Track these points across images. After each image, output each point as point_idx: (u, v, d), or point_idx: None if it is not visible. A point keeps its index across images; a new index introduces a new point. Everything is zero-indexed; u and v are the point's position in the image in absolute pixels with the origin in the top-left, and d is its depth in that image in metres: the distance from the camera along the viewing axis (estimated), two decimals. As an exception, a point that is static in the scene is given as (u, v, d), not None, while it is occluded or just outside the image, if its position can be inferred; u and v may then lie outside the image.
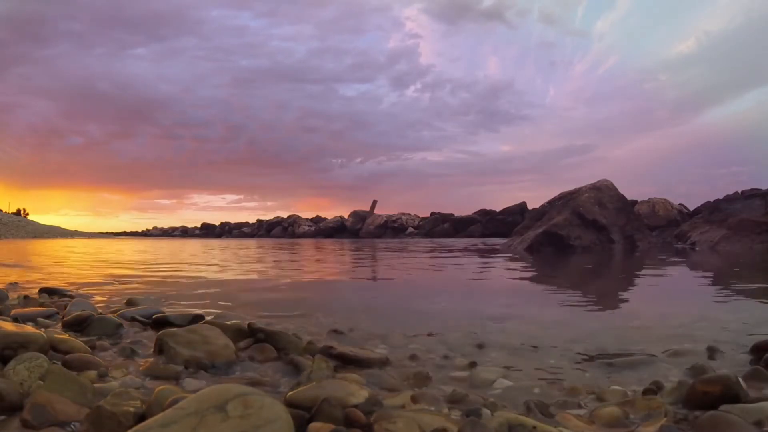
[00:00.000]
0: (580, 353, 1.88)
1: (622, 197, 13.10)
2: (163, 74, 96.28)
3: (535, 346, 2.00)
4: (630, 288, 4.63)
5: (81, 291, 3.56)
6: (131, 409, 1.08)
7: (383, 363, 1.72)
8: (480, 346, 1.98)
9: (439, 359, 1.79)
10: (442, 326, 2.35)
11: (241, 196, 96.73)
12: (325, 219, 46.59)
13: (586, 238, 11.70)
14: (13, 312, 2.26)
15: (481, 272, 6.16)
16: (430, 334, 2.17)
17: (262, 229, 49.21)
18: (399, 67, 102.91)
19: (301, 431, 1.03)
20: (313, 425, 1.04)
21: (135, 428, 0.92)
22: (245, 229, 51.34)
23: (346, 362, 1.69)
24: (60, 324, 2.12)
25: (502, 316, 2.70)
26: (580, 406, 1.29)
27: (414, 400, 1.29)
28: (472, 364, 1.70)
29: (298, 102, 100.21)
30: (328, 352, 1.73)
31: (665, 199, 25.41)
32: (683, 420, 1.15)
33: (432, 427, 1.04)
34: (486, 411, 1.17)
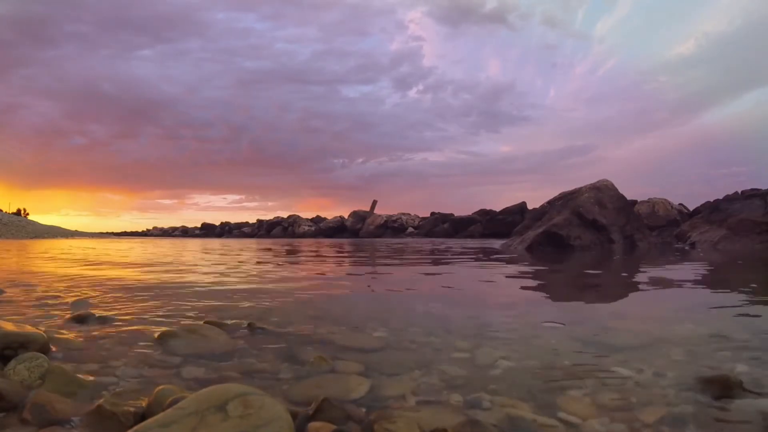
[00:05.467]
0: (580, 336, 1.88)
1: (622, 197, 13.10)
2: (167, 75, 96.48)
3: (535, 326, 2.00)
4: (632, 281, 4.63)
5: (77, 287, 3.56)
6: (131, 409, 1.08)
7: (383, 348, 1.72)
8: (480, 327, 1.98)
9: (439, 341, 1.79)
10: (444, 310, 2.35)
11: (243, 196, 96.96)
12: (325, 219, 46.61)
13: (586, 238, 11.70)
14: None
15: (482, 271, 6.16)
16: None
17: (262, 229, 49.21)
18: (402, 68, 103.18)
19: (302, 431, 1.03)
20: (313, 425, 1.04)
21: (135, 428, 0.92)
22: (245, 229, 51.33)
23: (345, 351, 1.69)
24: (61, 321, 2.12)
25: (503, 305, 2.71)
26: (580, 388, 1.29)
27: (414, 392, 1.29)
28: (473, 346, 1.70)
29: (301, 103, 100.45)
30: (328, 345, 1.73)
31: (665, 199, 25.43)
32: (683, 410, 1.15)
33: (432, 427, 1.04)
34: (486, 398, 1.18)
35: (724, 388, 1.22)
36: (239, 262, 7.33)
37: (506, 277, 5.31)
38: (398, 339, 1.85)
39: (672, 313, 2.46)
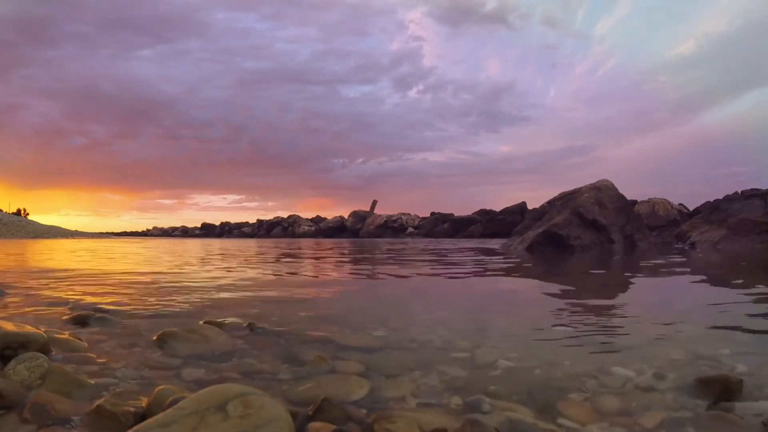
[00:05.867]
0: (580, 337, 1.88)
1: (622, 197, 13.10)
2: (167, 75, 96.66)
3: (535, 329, 2.00)
4: (632, 282, 4.63)
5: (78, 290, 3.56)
6: (131, 409, 1.08)
7: (383, 348, 1.72)
8: (480, 328, 1.98)
9: (440, 341, 1.79)
10: (445, 310, 2.36)
11: (243, 196, 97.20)
12: (325, 219, 46.61)
13: (586, 238, 11.70)
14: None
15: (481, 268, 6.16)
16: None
17: (262, 229, 49.21)
18: (402, 68, 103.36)
19: (302, 431, 1.03)
20: (313, 425, 1.04)
21: (135, 428, 0.92)
22: (245, 229, 51.33)
23: (346, 350, 1.69)
24: (62, 321, 2.12)
25: (502, 304, 2.71)
26: (581, 390, 1.29)
27: (414, 394, 1.29)
28: (473, 346, 1.70)
29: (301, 103, 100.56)
30: (328, 343, 1.74)
31: (665, 199, 25.44)
32: (683, 414, 1.16)
33: (432, 427, 1.04)
34: (486, 401, 1.17)
35: (724, 390, 1.22)
36: (239, 262, 7.34)
37: (505, 277, 5.31)
38: (398, 338, 1.84)
39: (672, 314, 2.46)
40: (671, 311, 2.52)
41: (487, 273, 5.77)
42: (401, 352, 1.68)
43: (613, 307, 3.00)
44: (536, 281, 5.14)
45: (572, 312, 2.67)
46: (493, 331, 1.96)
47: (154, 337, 1.81)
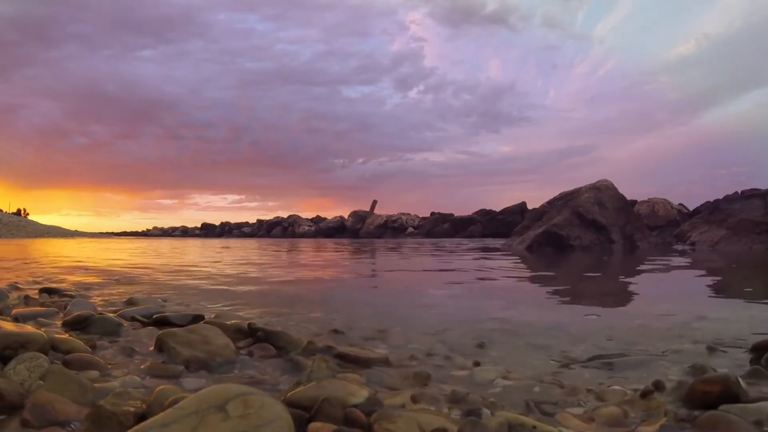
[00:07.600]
0: (580, 353, 1.88)
1: (622, 197, 13.11)
2: (169, 76, 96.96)
3: (535, 345, 2.00)
4: (629, 287, 4.63)
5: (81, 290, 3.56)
6: (131, 409, 1.08)
7: (384, 362, 1.72)
8: (480, 346, 1.98)
9: (439, 358, 1.79)
10: (442, 325, 2.36)
11: (243, 196, 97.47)
12: (325, 219, 46.64)
13: (586, 238, 11.71)
14: (14, 312, 2.26)
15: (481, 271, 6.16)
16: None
17: (263, 229, 49.25)
18: (403, 69, 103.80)
19: (301, 431, 1.03)
20: (313, 425, 1.04)
21: (135, 428, 0.92)
22: (245, 229, 51.35)
23: (346, 361, 1.69)
24: (60, 323, 2.12)
25: (501, 316, 2.70)
26: (579, 405, 1.30)
27: (414, 400, 1.29)
28: (473, 364, 1.70)
29: (303, 104, 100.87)
30: (328, 352, 1.73)
31: (665, 199, 25.47)
32: (683, 420, 1.16)
33: (432, 427, 1.04)
34: (486, 410, 1.18)
35: (723, 391, 1.22)
36: (237, 265, 7.34)
37: (504, 280, 5.31)
38: (398, 354, 1.83)
39: (672, 327, 2.45)
40: (671, 324, 2.50)
41: (487, 275, 5.77)
42: (402, 368, 1.68)
43: (612, 316, 2.99)
44: (534, 286, 5.14)
45: (571, 323, 2.66)
46: (492, 348, 1.97)
47: (154, 339, 1.81)
